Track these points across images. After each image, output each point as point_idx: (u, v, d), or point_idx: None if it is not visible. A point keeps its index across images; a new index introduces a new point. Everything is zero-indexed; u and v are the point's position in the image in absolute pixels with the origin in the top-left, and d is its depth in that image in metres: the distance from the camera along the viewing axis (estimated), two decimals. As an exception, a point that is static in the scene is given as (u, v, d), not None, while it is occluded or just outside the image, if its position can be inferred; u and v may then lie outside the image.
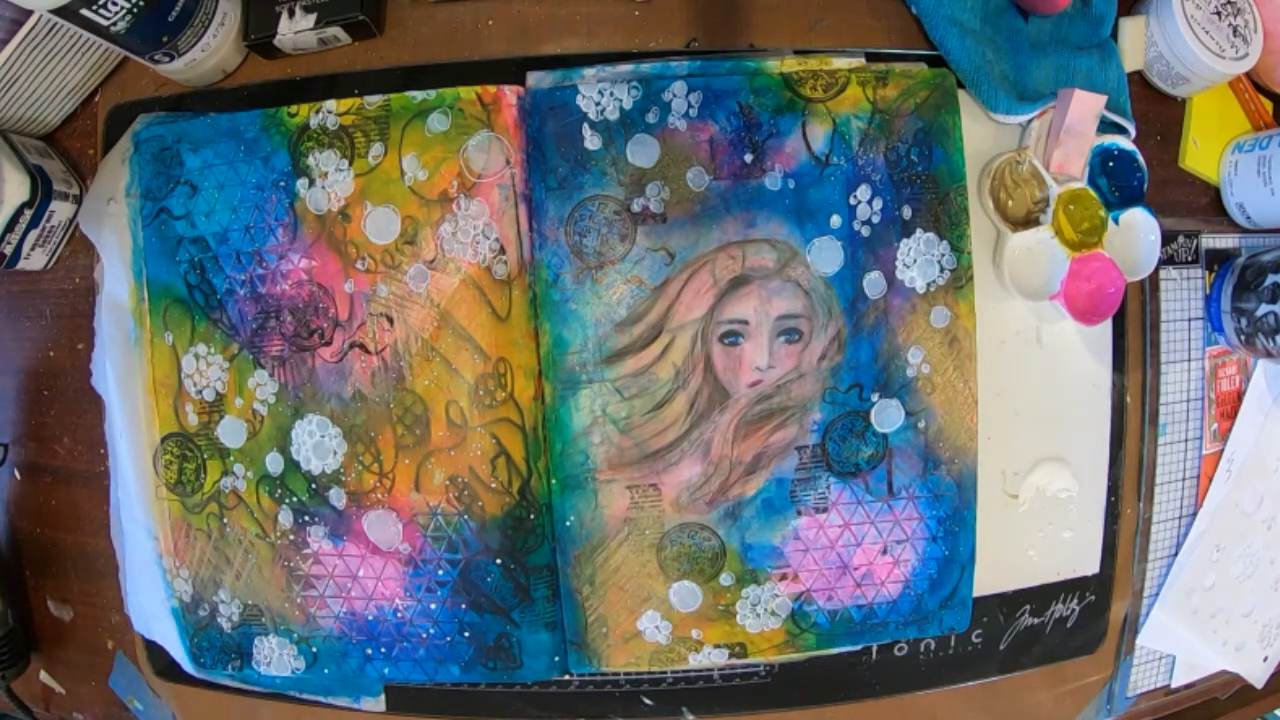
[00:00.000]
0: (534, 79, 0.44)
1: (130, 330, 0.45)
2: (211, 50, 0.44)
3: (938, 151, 0.44)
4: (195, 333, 0.45)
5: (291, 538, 0.45)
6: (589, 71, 0.44)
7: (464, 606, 0.45)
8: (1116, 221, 0.46)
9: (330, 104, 0.44)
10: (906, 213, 0.44)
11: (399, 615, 0.45)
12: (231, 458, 0.45)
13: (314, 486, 0.45)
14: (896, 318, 0.44)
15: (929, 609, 0.46)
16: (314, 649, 0.46)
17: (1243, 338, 0.49)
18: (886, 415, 0.44)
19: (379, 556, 0.45)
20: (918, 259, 0.44)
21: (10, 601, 0.50)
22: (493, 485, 0.44)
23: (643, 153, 0.43)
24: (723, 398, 0.44)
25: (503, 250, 0.43)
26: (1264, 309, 0.47)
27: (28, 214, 0.45)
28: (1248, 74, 0.50)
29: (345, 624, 0.46)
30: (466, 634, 0.45)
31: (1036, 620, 0.49)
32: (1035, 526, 0.48)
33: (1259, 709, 0.57)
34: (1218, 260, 0.51)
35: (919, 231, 0.44)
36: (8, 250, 0.45)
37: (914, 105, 0.44)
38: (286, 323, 0.44)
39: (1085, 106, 0.44)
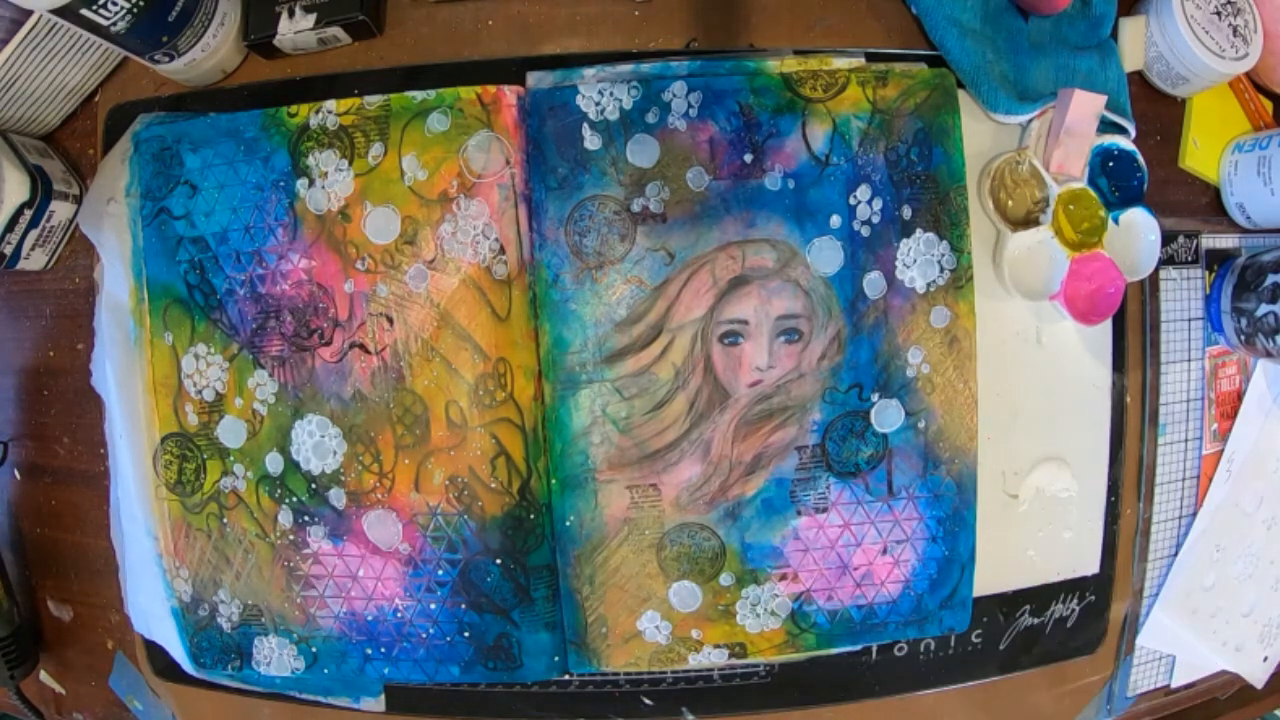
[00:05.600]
0: (534, 79, 0.44)
1: (130, 330, 0.45)
2: (211, 50, 0.44)
3: (938, 151, 0.44)
4: (195, 333, 0.45)
5: (291, 538, 0.45)
6: (589, 71, 0.44)
7: (464, 606, 0.45)
8: (1116, 221, 0.46)
9: (330, 104, 0.44)
10: (906, 213, 0.44)
11: (399, 615, 0.45)
12: (231, 458, 0.45)
13: (314, 486, 0.45)
14: (896, 318, 0.44)
15: (929, 609, 0.46)
16: (314, 649, 0.46)
17: (1243, 338, 0.49)
18: (886, 415, 0.44)
19: (379, 556, 0.45)
20: (918, 259, 0.44)
21: (15, 600, 0.50)
22: (492, 485, 0.44)
23: (643, 153, 0.43)
24: (723, 398, 0.44)
25: (503, 250, 0.43)
26: (1264, 309, 0.47)
27: (28, 214, 0.45)
28: (1248, 74, 0.50)
29: (345, 624, 0.46)
30: (466, 634, 0.45)
31: (1036, 620, 0.49)
32: (1035, 526, 0.48)
33: (1259, 709, 0.57)
34: (1218, 260, 0.51)
35: (919, 231, 0.44)
36: (8, 250, 0.46)
37: (914, 105, 0.44)
38: (286, 323, 0.44)
39: (1085, 106, 0.44)
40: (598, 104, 0.43)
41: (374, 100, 0.44)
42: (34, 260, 0.48)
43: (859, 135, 0.43)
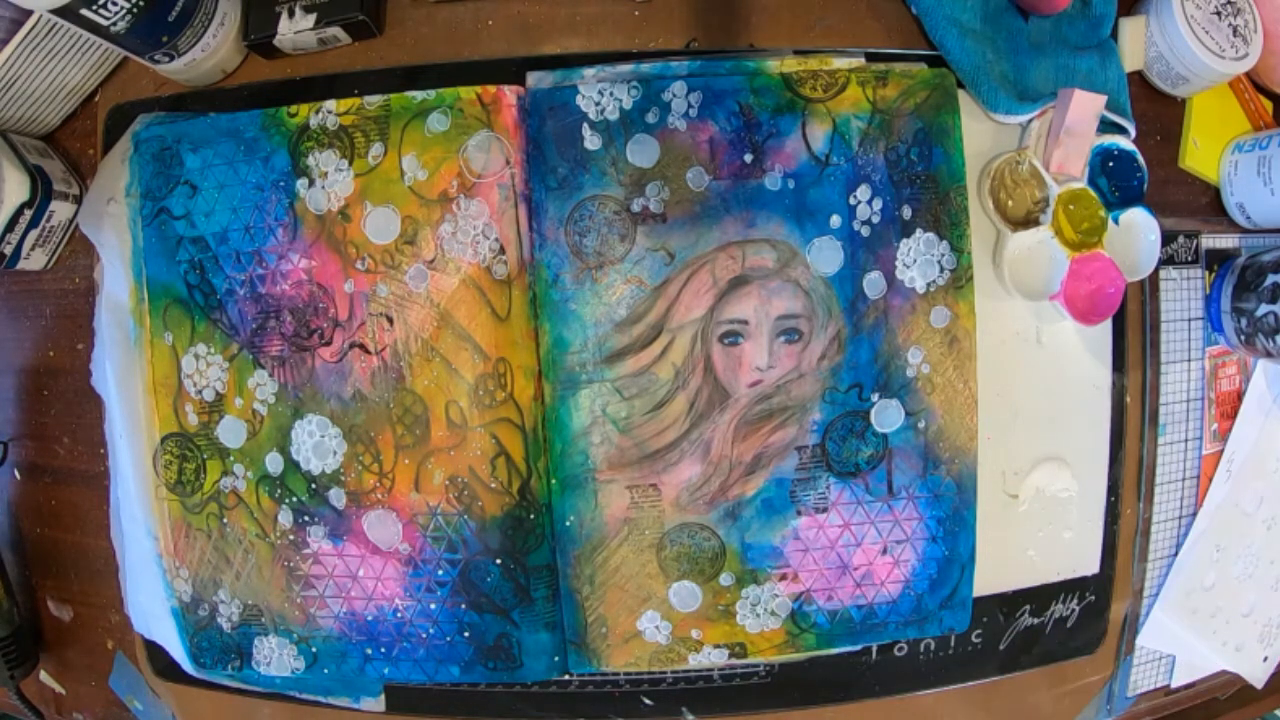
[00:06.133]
0: (534, 79, 0.44)
1: (130, 330, 0.45)
2: (211, 50, 0.44)
3: (938, 151, 0.44)
4: (195, 333, 0.45)
5: (291, 538, 0.45)
6: (589, 71, 0.44)
7: (464, 606, 0.45)
8: (1116, 221, 0.46)
9: (330, 104, 0.44)
10: (906, 213, 0.44)
11: (399, 615, 0.45)
12: (231, 458, 0.45)
13: (314, 486, 0.45)
14: (896, 318, 0.44)
15: (929, 609, 0.46)
16: (314, 649, 0.46)
17: (1243, 338, 0.49)
18: (886, 415, 0.44)
19: (379, 556, 0.45)
20: (917, 259, 0.44)
21: (15, 600, 0.50)
22: (492, 485, 0.44)
23: (643, 153, 0.43)
24: (723, 398, 0.44)
25: (503, 250, 0.43)
26: (1264, 309, 0.47)
27: (28, 214, 0.45)
28: (1248, 74, 0.50)
29: (345, 624, 0.46)
30: (466, 634, 0.45)
31: (1036, 620, 0.49)
32: (1035, 526, 0.48)
33: (1259, 709, 0.57)
34: (1218, 260, 0.51)
35: (919, 231, 0.44)
36: (8, 250, 0.46)
37: (914, 105, 0.44)
38: (286, 323, 0.44)
39: (1085, 106, 0.44)
40: (598, 104, 0.43)
41: (374, 100, 0.44)
42: (34, 260, 0.48)
43: (859, 135, 0.43)
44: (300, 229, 0.44)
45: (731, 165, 0.43)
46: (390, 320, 0.43)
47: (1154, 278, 0.49)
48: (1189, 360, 0.50)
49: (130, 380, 0.45)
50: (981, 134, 0.46)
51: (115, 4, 0.38)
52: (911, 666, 0.48)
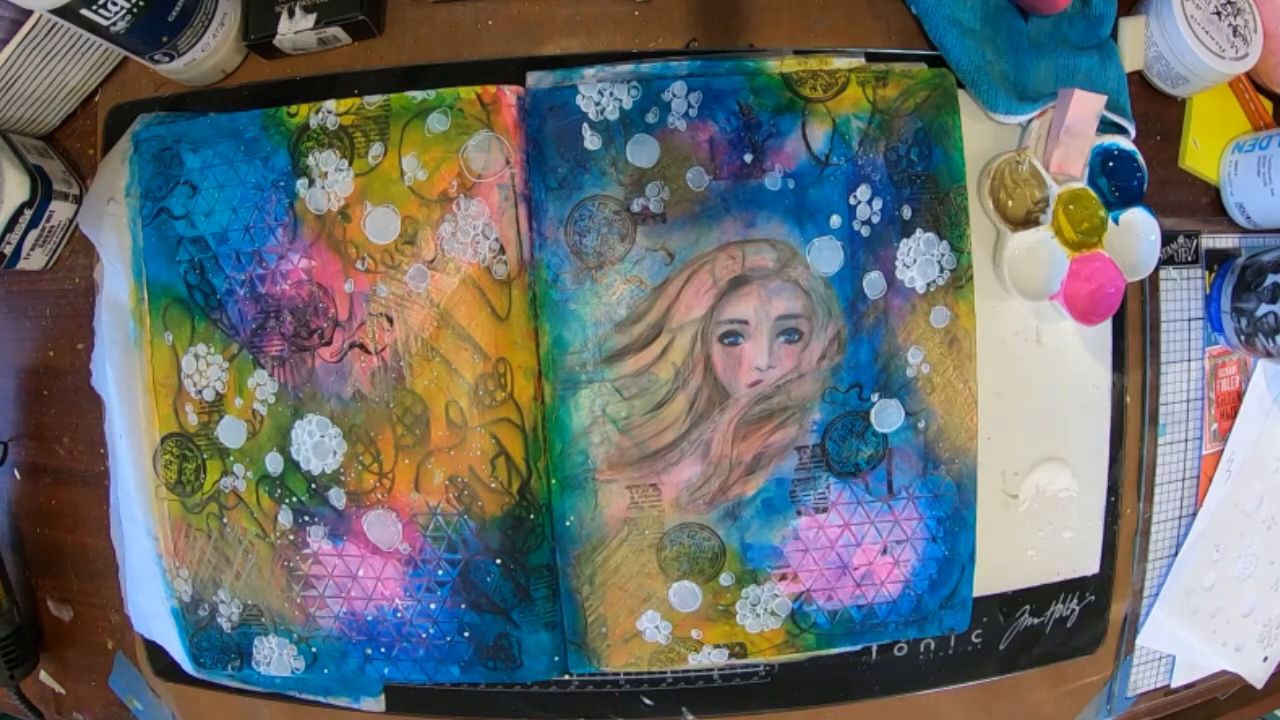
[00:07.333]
0: (534, 79, 0.44)
1: (130, 330, 0.45)
2: (211, 50, 0.44)
3: (937, 151, 0.44)
4: (195, 333, 0.45)
5: (291, 538, 0.45)
6: (589, 71, 0.44)
7: (464, 606, 0.45)
8: (1116, 221, 0.46)
9: (330, 104, 0.44)
10: (906, 213, 0.44)
11: (399, 615, 0.45)
12: (231, 458, 0.45)
13: (314, 486, 0.45)
14: (896, 318, 0.44)
15: (929, 609, 0.46)
16: (314, 649, 0.46)
17: (1243, 338, 0.49)
18: (886, 415, 0.44)
19: (379, 556, 0.45)
20: (917, 259, 0.44)
21: (15, 600, 0.50)
22: (492, 485, 0.44)
23: (643, 153, 0.43)
24: (722, 398, 0.44)
25: (502, 250, 0.43)
26: (1264, 309, 0.47)
27: (28, 214, 0.45)
28: (1248, 74, 0.50)
29: (345, 624, 0.46)
30: (466, 634, 0.45)
31: (1036, 620, 0.49)
32: (1035, 526, 0.48)
33: (1259, 709, 0.57)
34: (1218, 260, 0.51)
35: (919, 231, 0.44)
36: (8, 250, 0.46)
37: (914, 105, 0.44)
38: (286, 323, 0.44)
39: (1085, 106, 0.44)
40: (598, 104, 0.43)
41: (374, 100, 0.44)
42: (34, 260, 0.48)
43: (859, 135, 0.43)
44: (300, 229, 0.44)
45: (731, 165, 0.43)
46: (390, 320, 0.43)
47: (1154, 278, 0.49)
48: (1189, 360, 0.50)
49: (130, 380, 0.45)
50: (981, 134, 0.46)
51: (115, 4, 0.38)
52: (911, 666, 0.48)
